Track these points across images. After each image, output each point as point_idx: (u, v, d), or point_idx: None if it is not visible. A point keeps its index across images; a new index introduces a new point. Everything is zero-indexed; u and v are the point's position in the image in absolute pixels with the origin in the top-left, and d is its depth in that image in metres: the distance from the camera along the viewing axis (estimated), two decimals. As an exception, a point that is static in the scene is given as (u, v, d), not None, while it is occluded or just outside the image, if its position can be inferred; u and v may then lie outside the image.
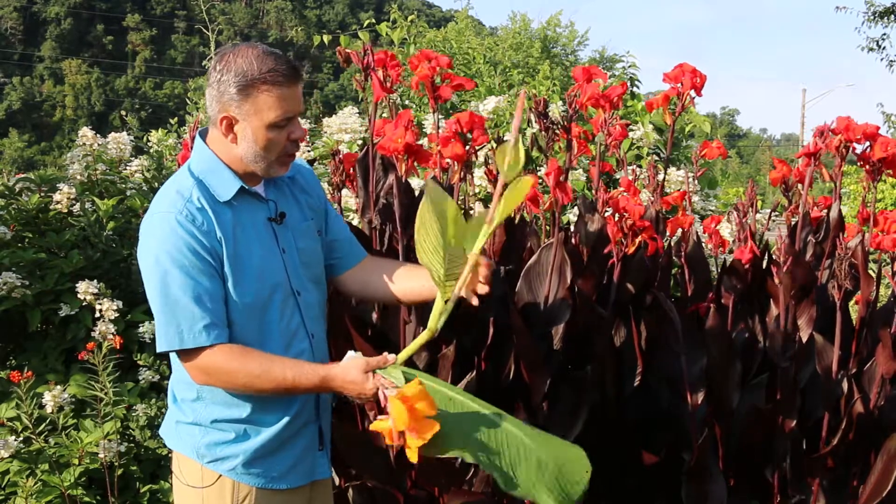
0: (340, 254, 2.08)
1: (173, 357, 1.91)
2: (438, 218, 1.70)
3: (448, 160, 2.54)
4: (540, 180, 4.57)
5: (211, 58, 5.99)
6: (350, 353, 1.83)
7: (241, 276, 1.82)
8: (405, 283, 2.01)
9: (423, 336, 1.76)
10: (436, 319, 1.76)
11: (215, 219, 1.81)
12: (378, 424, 1.68)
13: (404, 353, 1.82)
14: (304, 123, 5.11)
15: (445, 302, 1.75)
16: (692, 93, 2.82)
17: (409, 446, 1.63)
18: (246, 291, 1.82)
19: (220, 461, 1.88)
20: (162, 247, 1.78)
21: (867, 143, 2.80)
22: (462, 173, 2.48)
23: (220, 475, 1.89)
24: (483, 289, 1.75)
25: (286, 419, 1.88)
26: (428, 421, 1.64)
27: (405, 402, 1.63)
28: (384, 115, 3.02)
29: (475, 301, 1.78)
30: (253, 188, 1.90)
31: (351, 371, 1.77)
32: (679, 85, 2.83)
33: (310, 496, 1.99)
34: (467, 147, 2.48)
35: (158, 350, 1.82)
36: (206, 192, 1.84)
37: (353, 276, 2.08)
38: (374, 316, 2.57)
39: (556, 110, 4.79)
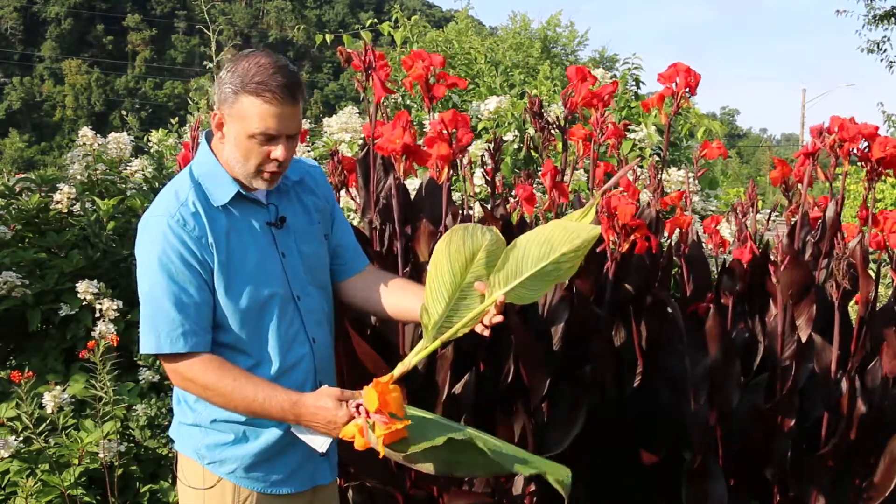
0: (342, 260, 2.06)
1: None
2: (463, 261, 1.73)
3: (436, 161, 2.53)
4: (540, 181, 4.57)
5: (212, 57, 6.00)
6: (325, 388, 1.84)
7: (233, 281, 1.82)
8: (400, 300, 1.99)
9: (398, 370, 1.78)
10: (415, 355, 1.78)
11: (208, 224, 1.81)
12: (347, 429, 1.71)
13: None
14: (305, 123, 5.10)
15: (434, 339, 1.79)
16: (688, 92, 2.82)
17: (378, 436, 1.66)
18: (239, 296, 1.82)
19: (219, 464, 1.88)
20: (152, 249, 1.79)
21: (865, 143, 2.80)
22: (450, 173, 2.47)
23: (221, 478, 1.88)
24: (497, 318, 1.78)
25: (286, 423, 1.87)
26: (397, 410, 1.68)
27: (376, 386, 1.67)
28: (386, 114, 3.01)
29: (487, 332, 1.83)
30: (252, 194, 1.89)
31: (323, 397, 1.77)
32: (674, 84, 2.84)
33: (311, 501, 1.98)
34: (452, 146, 2.47)
35: (141, 352, 1.84)
36: (203, 196, 1.84)
37: (352, 286, 2.05)
38: (373, 317, 2.57)
39: (556, 111, 4.78)
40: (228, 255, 1.82)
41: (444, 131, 2.44)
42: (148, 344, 1.81)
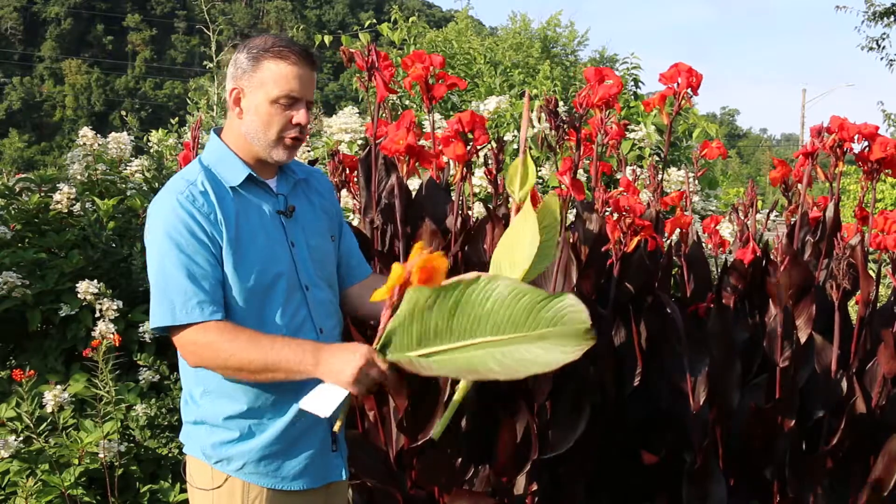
0: (346, 269, 2.08)
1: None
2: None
3: (448, 160, 2.55)
4: (539, 180, 4.57)
5: (212, 57, 5.98)
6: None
7: (240, 260, 1.82)
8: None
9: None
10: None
11: (218, 203, 1.83)
12: (395, 267, 1.66)
13: (447, 416, 1.82)
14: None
15: None
16: (690, 92, 2.83)
17: (415, 266, 1.62)
18: (247, 275, 1.82)
19: (226, 462, 1.87)
20: (162, 226, 1.80)
21: (865, 143, 2.81)
22: (464, 173, 2.48)
23: (229, 476, 1.87)
24: None
25: (291, 414, 1.87)
26: (437, 277, 1.64)
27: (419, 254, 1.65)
28: (384, 115, 3.02)
29: None
30: (263, 179, 1.92)
31: (350, 345, 1.74)
32: (675, 84, 2.84)
33: (325, 498, 1.97)
34: (468, 147, 2.48)
35: (151, 327, 1.83)
36: (213, 179, 1.86)
37: (356, 294, 2.07)
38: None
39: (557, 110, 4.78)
40: (237, 234, 1.83)
41: (460, 132, 2.46)
42: (162, 317, 1.79)
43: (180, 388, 3.46)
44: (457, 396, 1.79)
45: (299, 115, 1.86)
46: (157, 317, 1.80)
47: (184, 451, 1.97)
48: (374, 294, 1.68)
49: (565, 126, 2.76)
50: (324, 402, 1.73)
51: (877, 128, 2.78)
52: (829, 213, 2.90)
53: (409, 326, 1.66)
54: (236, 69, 1.87)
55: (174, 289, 1.78)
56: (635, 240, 2.59)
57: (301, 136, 1.90)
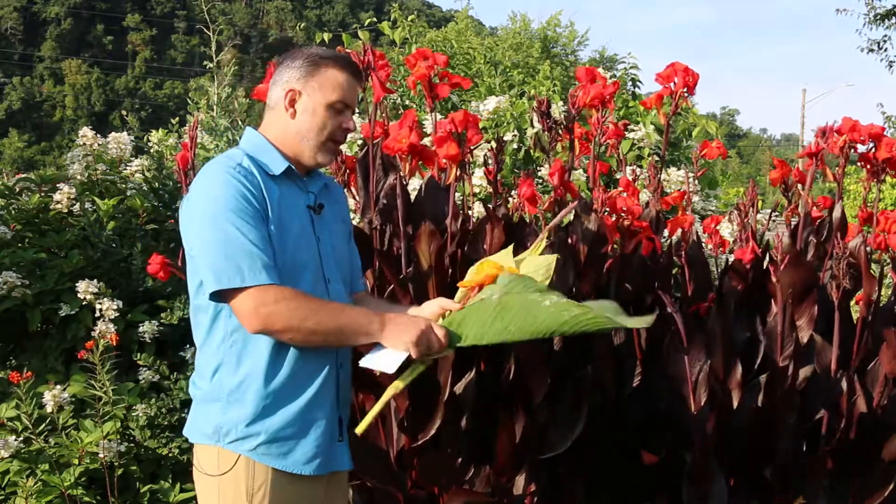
0: None
1: (201, 328, 1.93)
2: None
3: (444, 160, 2.54)
4: (540, 180, 4.57)
5: (212, 57, 5.98)
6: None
7: (280, 241, 1.87)
8: None
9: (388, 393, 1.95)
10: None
11: (263, 184, 1.89)
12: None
13: (373, 412, 1.97)
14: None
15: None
16: (686, 92, 2.83)
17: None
18: (282, 258, 1.87)
19: (241, 441, 1.87)
20: (217, 199, 1.84)
21: (871, 144, 2.81)
22: (458, 173, 2.48)
23: (239, 456, 1.87)
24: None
25: (309, 396, 1.89)
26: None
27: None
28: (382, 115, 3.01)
29: None
30: (299, 174, 1.99)
31: (412, 315, 1.95)
32: (672, 84, 2.84)
33: (327, 487, 1.98)
34: (462, 147, 2.48)
35: (213, 290, 1.82)
36: (256, 164, 1.92)
37: None
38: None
39: (556, 110, 4.78)
40: (279, 217, 1.89)
41: (454, 132, 2.46)
42: (230, 279, 1.80)
43: (180, 388, 3.47)
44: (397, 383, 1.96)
45: (349, 123, 1.98)
46: (225, 279, 1.81)
47: (191, 440, 1.96)
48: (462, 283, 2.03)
49: (558, 127, 2.76)
50: (386, 361, 1.88)
51: (883, 128, 2.79)
52: (836, 213, 2.90)
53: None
54: (292, 72, 1.96)
55: (240, 253, 1.81)
56: (634, 241, 2.59)
57: (343, 143, 2.02)
